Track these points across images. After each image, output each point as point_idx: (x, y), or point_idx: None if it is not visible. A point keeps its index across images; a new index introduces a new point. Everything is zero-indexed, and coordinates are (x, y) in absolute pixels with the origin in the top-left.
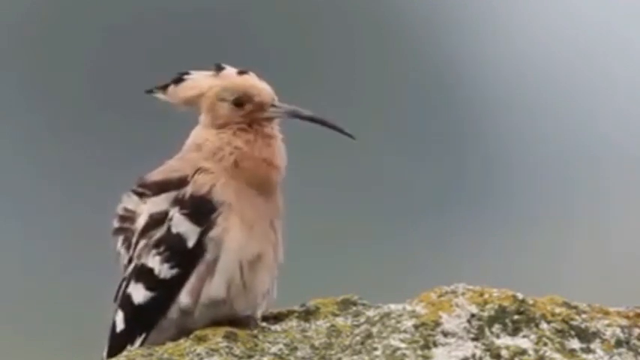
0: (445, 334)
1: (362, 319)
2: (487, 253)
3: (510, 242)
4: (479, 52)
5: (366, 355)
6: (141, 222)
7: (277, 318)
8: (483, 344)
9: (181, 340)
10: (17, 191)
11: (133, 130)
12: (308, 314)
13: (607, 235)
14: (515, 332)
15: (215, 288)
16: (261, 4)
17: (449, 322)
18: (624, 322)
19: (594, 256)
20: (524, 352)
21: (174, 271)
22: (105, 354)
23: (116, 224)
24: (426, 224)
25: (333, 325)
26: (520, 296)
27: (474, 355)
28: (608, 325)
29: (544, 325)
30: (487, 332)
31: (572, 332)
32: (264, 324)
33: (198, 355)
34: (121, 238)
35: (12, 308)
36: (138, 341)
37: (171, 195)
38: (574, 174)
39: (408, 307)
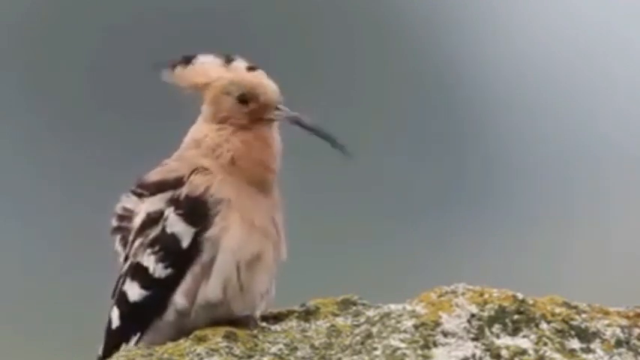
0: (445, 334)
1: (362, 319)
2: (487, 253)
3: (510, 242)
4: (479, 52)
5: (366, 355)
6: (138, 221)
7: (277, 318)
8: (483, 344)
9: (181, 340)
10: (17, 191)
11: (132, 130)
12: (308, 314)
13: (607, 235)
14: (515, 332)
15: (211, 289)
16: (261, 4)
17: (449, 322)
18: (624, 322)
19: (594, 256)
20: (524, 352)
21: (169, 271)
22: (100, 350)
23: (114, 223)
24: (426, 224)
25: (333, 325)
26: (520, 296)
27: (474, 355)
28: (608, 325)
29: (544, 325)
30: (487, 332)
31: (572, 332)
32: (264, 324)
33: (198, 355)
34: (118, 237)
35: (12, 308)
36: (133, 339)
37: (167, 195)
38: (574, 174)
39: (408, 307)
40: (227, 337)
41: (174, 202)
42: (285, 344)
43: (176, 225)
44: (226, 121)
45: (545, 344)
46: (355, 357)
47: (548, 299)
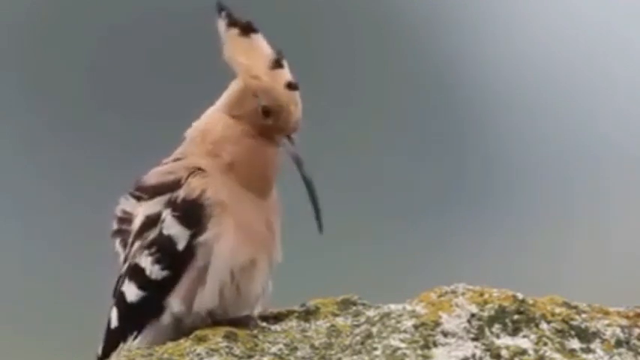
0: (445, 334)
1: (362, 319)
2: (487, 253)
3: (510, 242)
4: (479, 52)
5: (366, 355)
6: (137, 223)
7: (277, 318)
8: (483, 344)
9: (181, 340)
10: (17, 191)
11: (133, 130)
12: (308, 314)
13: (607, 235)
14: (515, 332)
15: (207, 294)
16: (261, 4)
17: (449, 322)
18: (624, 322)
19: (594, 256)
20: (524, 352)
21: (165, 273)
22: (100, 349)
23: (115, 226)
24: (426, 224)
25: (333, 325)
26: (520, 296)
27: (474, 355)
28: (608, 325)
29: (544, 325)
30: (487, 332)
31: (572, 332)
32: (264, 324)
33: (198, 355)
34: (118, 240)
35: (12, 308)
36: (130, 339)
37: (164, 197)
38: (574, 174)
39: (408, 307)
40: (227, 337)
41: (171, 204)
42: (285, 344)
43: (172, 227)
44: (240, 120)
45: (545, 344)
46: (355, 357)
47: (548, 299)
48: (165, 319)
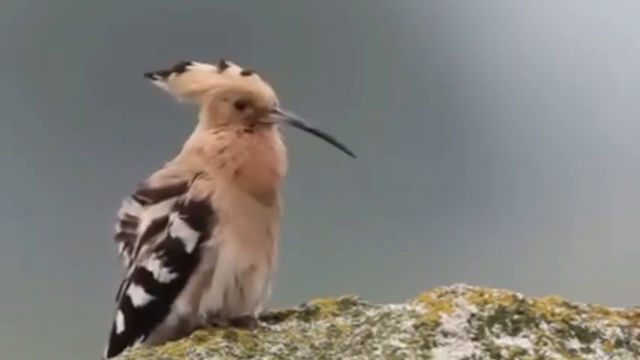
0: (445, 334)
1: (362, 319)
2: (487, 253)
3: (510, 242)
4: (479, 52)
5: (366, 355)
6: (143, 227)
7: (277, 318)
8: (483, 344)
9: (181, 340)
10: (17, 191)
11: (132, 130)
12: (308, 314)
13: (607, 235)
14: (515, 332)
15: (213, 297)
16: (261, 4)
17: (449, 322)
18: (624, 322)
19: (594, 256)
20: (524, 352)
21: (173, 276)
22: (105, 354)
23: (118, 229)
24: (426, 224)
25: (333, 325)
26: (520, 296)
27: (474, 355)
28: (608, 325)
29: (544, 325)
30: (487, 332)
31: (572, 332)
32: (264, 324)
33: (198, 355)
34: (122, 243)
35: (12, 308)
36: (137, 343)
37: (171, 200)
38: (574, 174)
39: (408, 307)
40: (227, 337)
41: (178, 207)
42: (285, 344)
43: (181, 230)
44: (226, 128)
45: (545, 344)
46: (355, 357)
47: (548, 299)
48: (171, 320)
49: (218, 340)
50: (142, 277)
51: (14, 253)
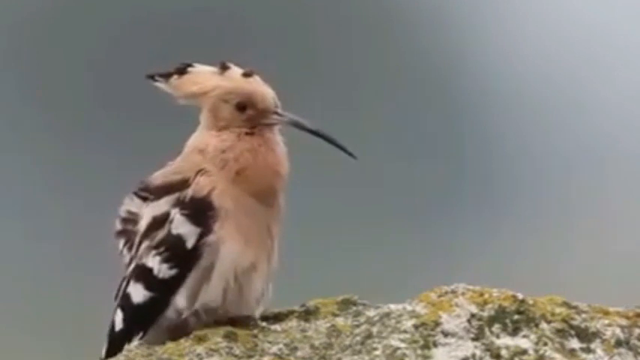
0: (445, 334)
1: (362, 319)
2: (487, 253)
3: (510, 242)
4: (480, 52)
5: (366, 355)
6: (143, 224)
7: (277, 318)
8: (483, 344)
9: (181, 340)
10: (17, 191)
11: (133, 130)
12: (308, 314)
13: (607, 234)
14: (515, 332)
15: (212, 293)
16: (261, 4)
17: (449, 322)
18: (624, 322)
19: (594, 256)
20: (524, 352)
21: (173, 272)
22: (104, 352)
23: (119, 226)
24: (426, 224)
25: (333, 325)
26: (520, 296)
27: (474, 355)
28: (608, 325)
29: (544, 325)
30: (487, 332)
31: (572, 332)
32: (264, 324)
33: (198, 355)
34: (122, 240)
35: (12, 308)
36: (136, 340)
37: (173, 197)
38: (574, 174)
39: (408, 307)
40: (227, 337)
41: (179, 203)
42: (285, 344)
43: (182, 226)
44: (227, 129)
45: (545, 344)
46: (355, 357)
47: (548, 299)
48: (170, 316)
49: (218, 340)
50: (142, 273)
51: (14, 253)
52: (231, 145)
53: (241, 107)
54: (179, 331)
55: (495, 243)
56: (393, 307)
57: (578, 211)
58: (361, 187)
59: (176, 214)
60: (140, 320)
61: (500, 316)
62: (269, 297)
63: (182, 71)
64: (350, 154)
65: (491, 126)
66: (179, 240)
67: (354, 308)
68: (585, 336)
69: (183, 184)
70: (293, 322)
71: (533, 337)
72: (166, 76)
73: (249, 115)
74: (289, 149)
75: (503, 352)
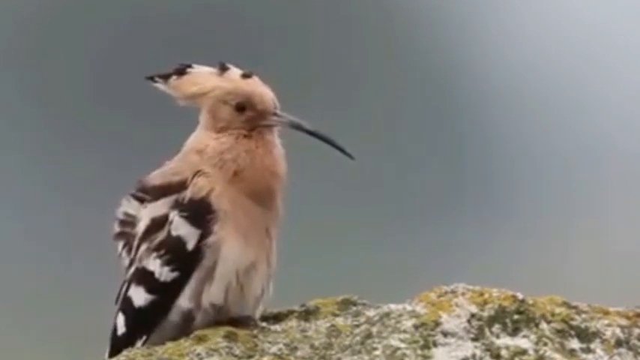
0: (445, 334)
1: (362, 319)
2: (487, 253)
3: (510, 242)
4: (479, 52)
5: (366, 355)
6: (142, 226)
7: (277, 318)
8: (483, 344)
9: (181, 340)
10: (17, 192)
11: (133, 130)
12: (308, 314)
13: (607, 235)
14: (515, 332)
15: (215, 293)
16: (261, 4)
17: (449, 322)
18: (624, 322)
19: (594, 256)
20: (524, 352)
21: (175, 274)
22: (106, 356)
23: (117, 228)
24: (427, 224)
25: (333, 325)
26: (520, 296)
27: (474, 355)
28: (608, 325)
29: (544, 325)
30: (487, 332)
31: (572, 332)
32: (264, 324)
33: (198, 355)
34: (121, 242)
35: (12, 308)
36: (139, 344)
37: (171, 198)
38: (574, 174)
39: (408, 307)
40: (227, 337)
41: (178, 205)
42: (285, 344)
43: (181, 228)
44: (226, 130)
45: (545, 344)
46: (355, 357)
47: (548, 299)
48: (174, 318)
49: (218, 340)
50: (143, 277)
51: (14, 253)
52: (230, 147)
53: (240, 108)
54: (183, 331)
55: (495, 243)
56: (393, 307)
57: (578, 211)
58: (361, 188)
59: (175, 216)
60: (143, 323)
61: (500, 316)
62: (269, 297)
63: (181, 72)
64: (348, 155)
65: (491, 126)
66: (179, 242)
67: (354, 308)
68: (585, 336)
69: (181, 185)
70: (293, 322)
71: (533, 337)
72: (165, 77)
73: (248, 116)
74: (289, 150)
75: (503, 352)
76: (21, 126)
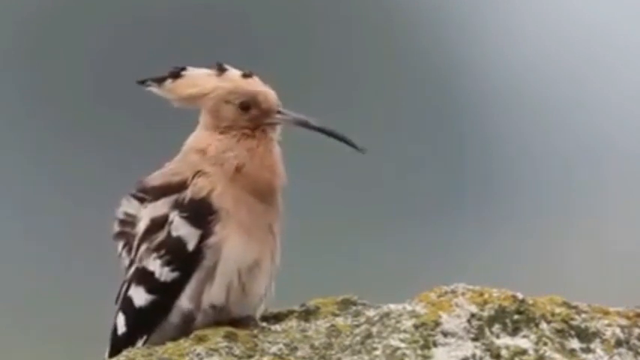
0: (445, 334)
1: (362, 319)
2: (487, 253)
3: (510, 242)
4: (479, 52)
5: (366, 355)
6: (142, 226)
7: (277, 318)
8: (483, 344)
9: (181, 340)
10: (18, 192)
11: (133, 130)
12: (308, 314)
13: (607, 235)
14: (515, 332)
15: (215, 293)
16: (261, 4)
17: (449, 322)
18: (624, 322)
19: (594, 256)
20: (524, 352)
21: (175, 275)
22: (106, 356)
23: (117, 228)
24: (427, 224)
25: (333, 325)
26: (520, 296)
27: (474, 355)
28: (608, 325)
29: (544, 325)
30: (487, 332)
31: (572, 332)
32: (264, 324)
33: (198, 355)
34: (121, 242)
35: (12, 308)
36: (139, 343)
37: (171, 199)
38: (574, 174)
39: (408, 307)
40: (227, 337)
41: (178, 205)
42: (285, 344)
43: (181, 228)
44: (230, 130)
45: (545, 344)
46: (355, 357)
47: (548, 299)
48: (174, 318)
49: (218, 340)
50: (143, 277)
51: (14, 253)
52: (231, 146)
53: (245, 107)
54: (183, 331)
55: (495, 243)
56: (393, 307)
57: (578, 211)
58: (361, 188)
59: (175, 217)
60: (143, 323)
61: (500, 316)
62: (271, 296)
63: (176, 75)
64: (358, 148)
65: (491, 126)
66: (179, 242)
67: (354, 308)
68: (585, 336)
69: (181, 185)
70: (293, 322)
71: (533, 337)
72: (159, 80)
73: (252, 114)
74: (289, 150)
75: (503, 352)
76: (21, 126)
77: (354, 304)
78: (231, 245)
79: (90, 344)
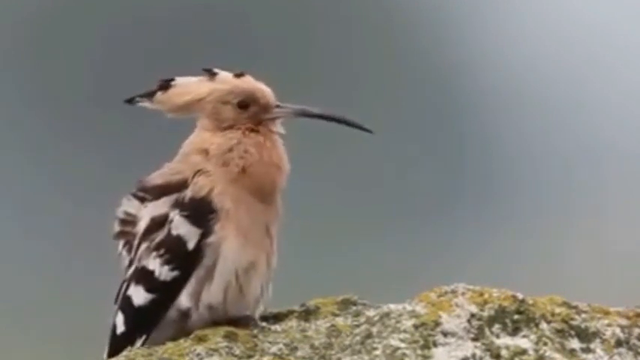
0: (445, 334)
1: (362, 319)
2: (487, 253)
3: (510, 242)
4: (479, 52)
5: (366, 355)
6: (142, 225)
7: (277, 318)
8: (483, 344)
9: (181, 340)
10: (17, 192)
11: (133, 130)
12: (308, 314)
13: (607, 235)
14: (515, 332)
15: (214, 292)
16: (261, 4)
17: (449, 322)
18: (624, 322)
19: (594, 256)
20: (524, 352)
21: (175, 274)
22: (105, 355)
23: (117, 228)
24: (426, 224)
25: (333, 325)
26: (520, 296)
27: (474, 355)
28: (608, 325)
29: (544, 325)
30: (487, 332)
31: (572, 332)
32: (264, 324)
33: (198, 355)
34: (122, 242)
35: (12, 308)
36: (138, 343)
37: (171, 198)
38: (574, 174)
39: (408, 307)
40: (227, 337)
41: (178, 204)
42: (285, 344)
43: (181, 227)
44: (232, 128)
45: (545, 344)
46: (355, 357)
47: (548, 299)
48: (172, 316)
49: (218, 340)
50: (143, 276)
51: (14, 253)
52: (237, 142)
53: (243, 105)
54: (181, 330)
55: (495, 243)
56: (393, 307)
57: (578, 211)
58: (361, 187)
59: (175, 216)
60: (142, 322)
61: (500, 316)
62: (269, 297)
63: (165, 86)
64: (366, 130)
65: (491, 126)
66: (179, 241)
67: (354, 308)
68: (585, 336)
69: (182, 184)
70: (293, 322)
71: (533, 337)
72: (149, 95)
73: (252, 111)
74: (289, 149)
75: (503, 352)
76: (21, 126)
77: (354, 304)
78: (230, 246)
79: (90, 344)
